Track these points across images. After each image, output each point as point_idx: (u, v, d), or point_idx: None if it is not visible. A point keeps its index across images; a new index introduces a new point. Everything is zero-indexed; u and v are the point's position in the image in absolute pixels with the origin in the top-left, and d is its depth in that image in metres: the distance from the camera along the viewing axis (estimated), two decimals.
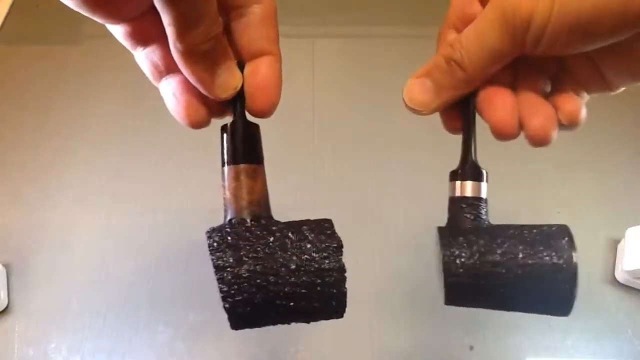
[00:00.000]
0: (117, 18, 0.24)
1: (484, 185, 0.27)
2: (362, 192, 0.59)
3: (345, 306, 0.26)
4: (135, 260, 0.54)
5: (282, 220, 0.27)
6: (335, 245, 0.26)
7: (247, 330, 0.47)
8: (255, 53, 0.26)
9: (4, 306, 0.51)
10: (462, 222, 0.27)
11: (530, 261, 0.25)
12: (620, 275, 0.52)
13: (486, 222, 0.27)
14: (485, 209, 0.27)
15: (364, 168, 0.61)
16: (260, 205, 0.27)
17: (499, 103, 0.26)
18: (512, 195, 0.59)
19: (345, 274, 0.25)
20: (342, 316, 0.26)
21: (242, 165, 0.26)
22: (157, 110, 0.65)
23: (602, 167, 0.61)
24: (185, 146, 0.61)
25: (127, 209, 0.58)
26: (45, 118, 0.64)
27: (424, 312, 0.51)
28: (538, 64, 0.27)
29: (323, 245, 0.25)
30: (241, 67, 0.26)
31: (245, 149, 0.27)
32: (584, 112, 0.26)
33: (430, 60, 0.27)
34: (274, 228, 0.26)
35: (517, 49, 0.24)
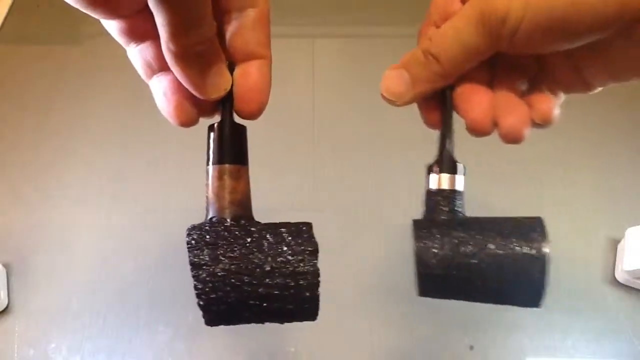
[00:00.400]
0: (114, 14, 0.24)
1: (459, 178, 0.28)
2: (362, 192, 0.59)
3: (317, 309, 0.26)
4: (135, 260, 0.54)
5: (281, 220, 0.27)
6: (311, 249, 0.26)
7: (246, 330, 0.47)
8: (247, 56, 0.26)
9: (4, 306, 0.51)
10: (438, 215, 0.27)
11: (502, 251, 0.25)
12: (620, 275, 0.52)
13: (461, 215, 0.27)
14: (461, 202, 0.28)
15: (364, 168, 0.61)
16: (242, 205, 0.27)
17: (475, 101, 0.27)
18: (512, 194, 0.59)
19: (319, 278, 0.26)
20: (315, 319, 0.27)
21: (226, 166, 0.26)
22: (157, 110, 0.64)
23: (602, 167, 0.61)
24: (185, 146, 0.61)
25: (127, 209, 0.58)
26: (45, 118, 0.64)
27: (424, 312, 0.51)
28: (517, 62, 0.28)
29: (299, 249, 0.26)
30: (231, 68, 0.26)
31: (230, 149, 0.27)
32: (557, 112, 0.26)
33: (409, 52, 0.28)
34: (252, 229, 0.26)
35: (492, 46, 0.24)
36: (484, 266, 0.25)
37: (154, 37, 0.24)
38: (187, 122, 0.27)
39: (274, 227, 0.26)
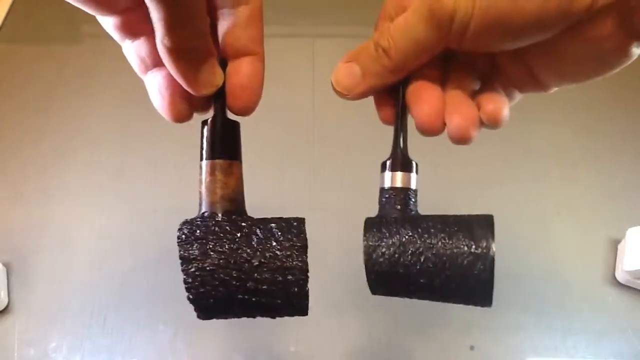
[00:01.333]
0: (109, 10, 0.24)
1: (413, 176, 0.28)
2: (362, 192, 0.59)
3: (307, 305, 0.26)
4: (135, 259, 0.54)
5: None
6: (299, 244, 0.26)
7: (246, 329, 0.47)
8: (239, 52, 0.26)
9: (4, 306, 0.51)
10: (390, 213, 0.28)
11: (448, 251, 0.25)
12: (620, 276, 0.52)
13: (413, 212, 0.28)
14: (414, 200, 0.28)
15: (364, 168, 0.61)
16: (233, 200, 0.27)
17: (425, 99, 0.27)
18: (512, 195, 0.59)
19: (308, 274, 0.26)
20: (305, 314, 0.27)
21: (218, 161, 0.27)
22: (157, 110, 0.64)
23: (602, 167, 0.61)
24: (186, 146, 0.61)
25: (127, 208, 0.58)
26: (45, 118, 0.64)
27: (424, 311, 0.51)
28: (470, 61, 0.27)
29: (288, 244, 0.26)
30: (224, 64, 0.26)
31: (222, 144, 0.27)
32: (505, 113, 0.26)
33: (361, 45, 0.28)
34: (242, 224, 0.26)
35: (442, 43, 0.24)
36: (429, 265, 0.25)
37: (149, 33, 0.24)
38: (180, 118, 0.27)
39: (264, 222, 0.27)
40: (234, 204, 0.27)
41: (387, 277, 0.27)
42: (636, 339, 0.50)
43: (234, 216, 0.27)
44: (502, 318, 0.51)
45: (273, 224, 0.26)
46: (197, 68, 0.25)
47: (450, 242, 0.25)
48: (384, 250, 0.26)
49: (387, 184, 0.28)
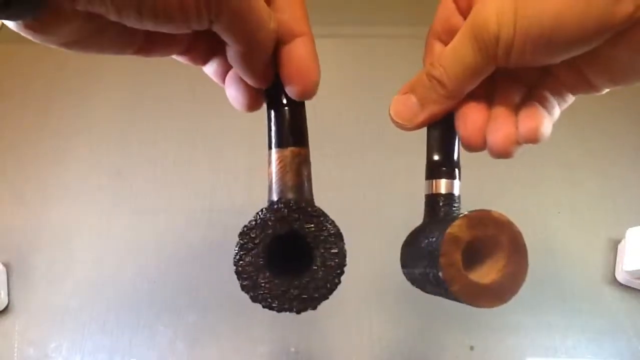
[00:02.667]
0: (172, 53, 0.27)
1: (456, 182, 0.30)
2: (362, 192, 0.59)
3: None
4: (135, 260, 0.54)
5: None
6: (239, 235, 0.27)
7: (246, 330, 0.47)
8: (285, 36, 0.26)
9: (4, 305, 0.51)
10: (427, 217, 0.31)
11: (422, 243, 0.29)
12: (620, 276, 0.52)
13: (441, 216, 0.30)
14: (457, 204, 0.30)
15: (364, 168, 0.61)
16: (271, 190, 0.27)
17: (468, 116, 0.28)
18: (513, 195, 0.59)
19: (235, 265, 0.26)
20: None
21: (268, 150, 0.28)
22: (157, 110, 0.64)
23: (602, 167, 0.61)
24: (185, 146, 0.61)
25: (127, 209, 0.58)
26: (45, 118, 0.64)
27: (424, 312, 0.51)
28: (518, 72, 0.28)
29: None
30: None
31: (275, 134, 0.28)
32: (543, 129, 0.27)
33: (415, 76, 0.29)
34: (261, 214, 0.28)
35: (491, 64, 0.25)
36: (412, 251, 0.32)
37: (213, 59, 0.28)
38: (251, 105, 0.29)
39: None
40: (275, 193, 0.27)
41: (403, 256, 0.34)
42: (636, 339, 0.50)
43: (272, 206, 0.27)
44: (502, 318, 0.51)
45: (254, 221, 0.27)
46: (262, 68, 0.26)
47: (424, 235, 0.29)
48: (408, 237, 0.33)
49: (425, 191, 0.31)
